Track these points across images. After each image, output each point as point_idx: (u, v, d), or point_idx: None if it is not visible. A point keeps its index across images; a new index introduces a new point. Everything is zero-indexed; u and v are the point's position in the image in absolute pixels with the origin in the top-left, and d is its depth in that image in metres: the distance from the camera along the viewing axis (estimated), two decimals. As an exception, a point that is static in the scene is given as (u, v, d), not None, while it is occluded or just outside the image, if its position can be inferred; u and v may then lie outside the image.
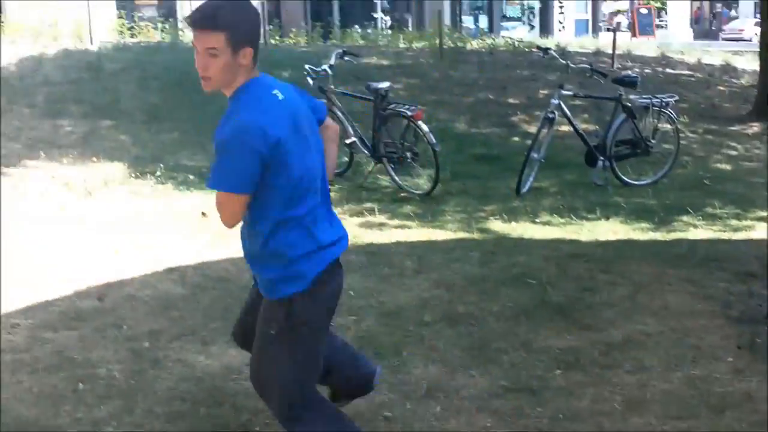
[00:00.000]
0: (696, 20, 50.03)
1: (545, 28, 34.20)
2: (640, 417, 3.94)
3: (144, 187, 8.60)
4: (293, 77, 13.16)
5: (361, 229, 7.24)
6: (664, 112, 9.20)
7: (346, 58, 9.75)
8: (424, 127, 8.39)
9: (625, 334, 4.87)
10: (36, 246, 6.76)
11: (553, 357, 4.60)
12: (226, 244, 6.84)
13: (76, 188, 8.44)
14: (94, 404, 4.09)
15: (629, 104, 9.10)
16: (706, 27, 50.07)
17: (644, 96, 9.32)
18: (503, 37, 23.46)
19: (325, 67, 9.37)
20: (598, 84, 9.89)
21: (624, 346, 4.71)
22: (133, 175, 8.98)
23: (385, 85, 9.06)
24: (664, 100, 9.19)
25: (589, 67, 9.46)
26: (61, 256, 6.47)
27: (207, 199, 8.30)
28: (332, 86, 9.36)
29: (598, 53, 17.89)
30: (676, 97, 9.55)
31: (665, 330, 4.94)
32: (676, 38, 33.21)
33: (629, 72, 13.68)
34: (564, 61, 9.71)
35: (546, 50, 10.33)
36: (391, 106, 8.79)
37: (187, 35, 19.29)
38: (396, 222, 7.54)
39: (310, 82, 9.46)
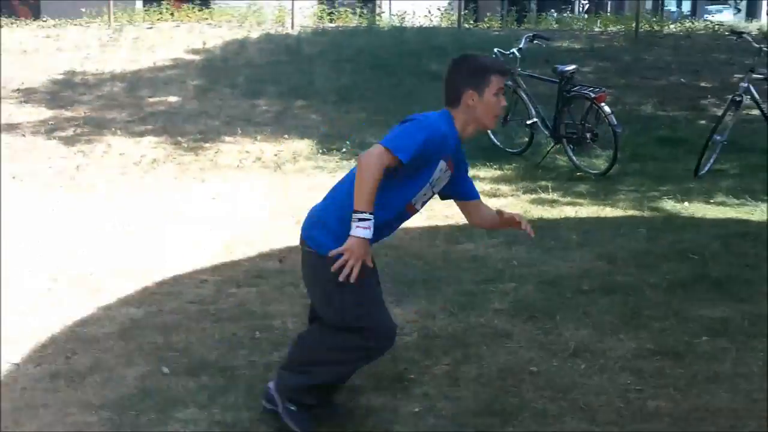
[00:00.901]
0: None
1: (752, 12, 32.83)
2: (777, 380, 4.05)
3: (330, 162, 9.21)
4: (482, 60, 13.43)
5: (532, 204, 7.50)
6: None
7: (535, 42, 9.94)
8: (606, 109, 8.50)
9: (778, 307, 4.94)
10: (226, 213, 7.42)
11: (702, 325, 4.73)
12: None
13: (268, 162, 9.12)
14: (268, 350, 4.52)
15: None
16: None
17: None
18: (705, 20, 22.80)
19: (513, 50, 9.63)
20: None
21: (775, 318, 4.79)
22: (321, 151, 9.59)
23: (570, 67, 9.20)
24: None
25: (783, 50, 9.26)
26: (248, 223, 7.08)
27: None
28: (519, 68, 9.59)
29: (805, 36, 17.13)
30: None
31: (821, 305, 4.97)
32: None
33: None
34: (757, 45, 9.49)
35: (740, 34, 10.16)
36: (576, 88, 8.94)
37: (384, 20, 19.90)
38: (568, 199, 7.74)
39: (498, 65, 9.70)
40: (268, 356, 4.44)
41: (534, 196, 7.85)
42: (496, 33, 17.96)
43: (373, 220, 3.30)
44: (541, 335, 4.70)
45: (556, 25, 19.92)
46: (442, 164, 3.53)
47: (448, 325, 4.86)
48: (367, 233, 3.29)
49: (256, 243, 6.45)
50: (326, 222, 3.53)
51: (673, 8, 32.18)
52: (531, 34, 10.04)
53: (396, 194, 3.48)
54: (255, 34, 15.59)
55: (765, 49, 9.42)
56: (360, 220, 3.28)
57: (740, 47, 13.89)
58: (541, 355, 4.45)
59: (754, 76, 8.94)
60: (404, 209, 3.59)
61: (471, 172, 8.50)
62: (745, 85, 8.77)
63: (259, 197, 7.97)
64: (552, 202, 7.59)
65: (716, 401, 3.90)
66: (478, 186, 8.08)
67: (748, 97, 8.82)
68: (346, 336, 3.53)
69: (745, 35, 10.01)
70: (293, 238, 6.41)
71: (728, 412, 3.80)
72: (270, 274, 5.75)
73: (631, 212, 7.24)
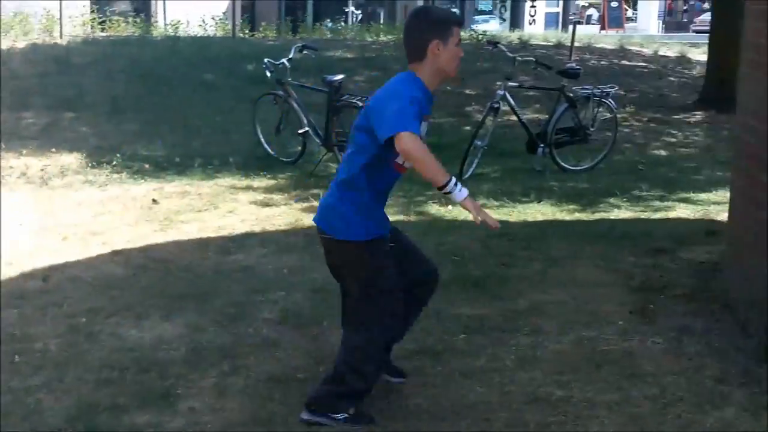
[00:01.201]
0: (669, 12, 50.61)
1: (515, 22, 34.63)
2: (526, 373, 4.32)
3: (100, 176, 8.95)
4: (256, 69, 13.48)
5: (304, 213, 7.59)
6: (604, 102, 9.60)
7: (305, 52, 10.05)
8: (374, 116, 8.70)
9: (531, 303, 5.27)
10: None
11: (461, 323, 4.97)
12: (174, 228, 7.20)
13: (33, 178, 8.78)
14: (28, 374, 4.36)
15: (571, 94, 9.51)
16: (678, 19, 50.69)
17: (586, 86, 9.73)
18: (472, 30, 23.82)
19: (283, 60, 9.67)
20: (554, 76, 10.03)
21: (526, 313, 5.11)
22: (90, 164, 9.32)
23: (339, 77, 9.38)
24: (604, 90, 9.59)
25: (534, 60, 9.86)
26: (11, 242, 6.77)
27: (158, 186, 8.65)
28: (290, 79, 9.67)
29: (559, 46, 18.28)
30: (617, 88, 9.93)
31: (567, 299, 5.35)
32: (645, 31, 33.72)
33: (573, 64, 13.94)
34: (511, 55, 10.01)
35: (495, 44, 10.66)
36: (345, 97, 9.12)
37: (158, 30, 19.56)
38: (340, 206, 7.87)
39: (268, 74, 9.76)
40: (28, 380, 4.29)
41: (306, 204, 7.94)
42: (271, 42, 18.09)
43: (454, 179, 3.54)
44: (309, 342, 4.79)
45: (330, 35, 20.26)
46: (423, 124, 3.71)
47: (217, 338, 4.86)
48: (464, 191, 3.56)
49: (18, 262, 6.19)
50: (343, 212, 3.91)
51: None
52: (300, 45, 10.16)
53: (383, 164, 3.75)
54: (21, 44, 14.98)
55: (519, 58, 9.99)
56: (453, 187, 3.52)
57: (501, 56, 14.68)
58: (308, 362, 4.53)
59: (510, 84, 9.47)
60: (394, 170, 3.80)
61: (244, 183, 8.71)
62: (502, 92, 9.27)
63: (22, 214, 7.63)
64: (323, 210, 7.71)
65: (472, 396, 4.11)
66: (251, 196, 8.28)
67: (506, 103, 9.33)
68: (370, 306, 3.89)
69: (500, 45, 10.55)
70: (59, 256, 6.28)
71: (483, 405, 4.02)
72: (32, 295, 5.54)
73: (399, 217, 7.45)
